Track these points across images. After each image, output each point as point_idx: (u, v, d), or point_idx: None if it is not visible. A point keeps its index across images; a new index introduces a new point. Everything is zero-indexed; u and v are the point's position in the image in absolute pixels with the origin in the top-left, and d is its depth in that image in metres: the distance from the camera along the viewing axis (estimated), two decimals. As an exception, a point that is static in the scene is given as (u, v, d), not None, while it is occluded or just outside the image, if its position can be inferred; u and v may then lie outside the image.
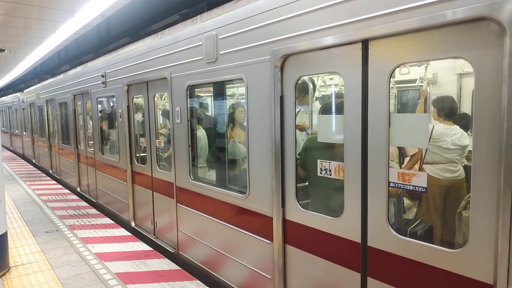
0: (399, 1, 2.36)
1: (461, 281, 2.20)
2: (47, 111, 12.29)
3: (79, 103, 9.10)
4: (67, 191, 9.97)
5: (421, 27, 2.26)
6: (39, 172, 13.37)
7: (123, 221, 6.96)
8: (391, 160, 3.05)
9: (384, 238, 2.60)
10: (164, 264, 5.01)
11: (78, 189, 9.72)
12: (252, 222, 3.76)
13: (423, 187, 2.43)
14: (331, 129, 3.17)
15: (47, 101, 12.16)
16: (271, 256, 3.54)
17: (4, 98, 22.47)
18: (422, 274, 2.39)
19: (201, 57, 4.27)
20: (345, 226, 2.87)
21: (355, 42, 2.66)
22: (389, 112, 2.51)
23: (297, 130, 3.90)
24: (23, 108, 16.65)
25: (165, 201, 5.47)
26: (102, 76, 7.21)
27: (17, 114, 18.47)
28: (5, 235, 4.82)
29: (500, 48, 1.96)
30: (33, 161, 15.51)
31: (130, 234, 6.26)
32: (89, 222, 6.99)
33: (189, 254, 4.94)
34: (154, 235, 5.97)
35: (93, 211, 7.82)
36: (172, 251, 5.31)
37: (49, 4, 6.81)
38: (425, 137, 2.70)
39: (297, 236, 3.31)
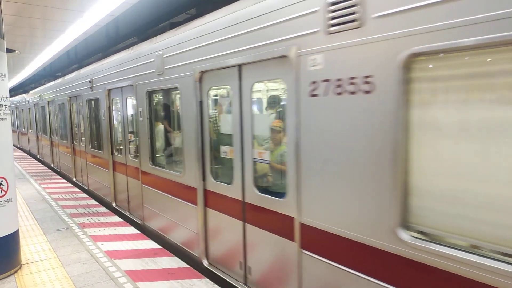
0: (250, 41, 3.68)
1: (285, 218, 3.51)
2: (48, 111, 13.75)
3: (74, 104, 10.52)
4: (77, 189, 10.16)
5: (260, 60, 3.59)
6: (49, 171, 13.75)
7: (106, 202, 8.36)
8: (266, 143, 4.26)
9: (252, 195, 3.93)
10: (173, 262, 5.10)
11: (74, 179, 11.15)
12: (186, 193, 5.11)
13: (268, 160, 3.76)
14: (228, 124, 4.49)
15: (48, 102, 13.62)
16: (196, 216, 4.88)
17: (13, 99, 23.99)
18: (268, 215, 3.72)
19: (154, 70, 5.62)
20: (234, 190, 4.20)
21: (234, 66, 3.98)
22: (252, 113, 3.84)
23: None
24: (29, 108, 18.16)
25: (134, 183, 6.84)
26: (90, 82, 8.60)
27: (24, 113, 20.01)
28: (17, 233, 4.91)
29: (294, 75, 3.27)
30: (38, 156, 17.02)
31: (139, 232, 6.41)
32: (99, 220, 7.11)
33: (150, 223, 6.31)
34: (129, 211, 7.36)
35: (103, 209, 7.98)
36: (140, 223, 6.68)
37: (58, 5, 6.98)
38: (267, 129, 4.03)
39: (212, 200, 4.65)
